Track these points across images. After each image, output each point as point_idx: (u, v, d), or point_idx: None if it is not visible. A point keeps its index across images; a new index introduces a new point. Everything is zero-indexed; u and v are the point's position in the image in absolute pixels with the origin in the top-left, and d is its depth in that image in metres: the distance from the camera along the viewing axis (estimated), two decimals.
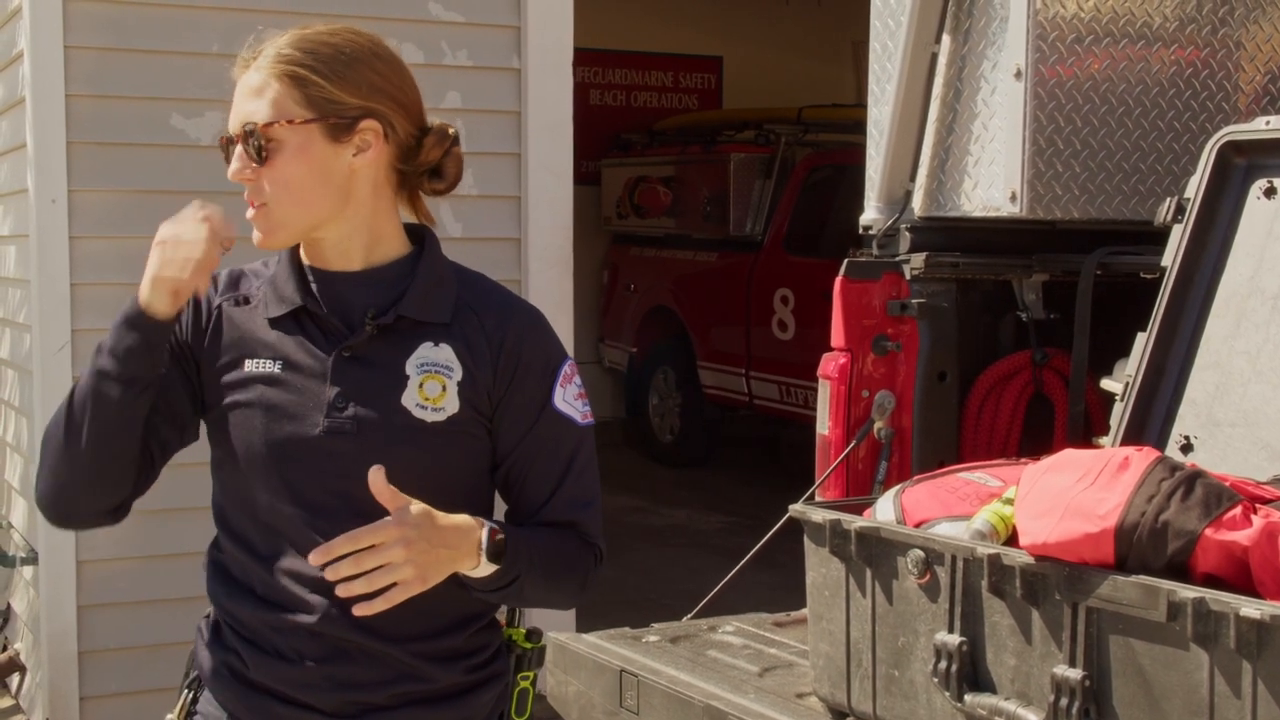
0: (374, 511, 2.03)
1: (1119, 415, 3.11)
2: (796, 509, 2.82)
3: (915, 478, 2.96)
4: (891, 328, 3.76)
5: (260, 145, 2.08)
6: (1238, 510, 2.28)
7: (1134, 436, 3.09)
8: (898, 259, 3.78)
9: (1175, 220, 3.20)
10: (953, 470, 2.90)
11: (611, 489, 9.64)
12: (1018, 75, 3.61)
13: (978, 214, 3.72)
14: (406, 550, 1.95)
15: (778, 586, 4.73)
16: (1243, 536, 2.24)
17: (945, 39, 3.77)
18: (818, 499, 3.50)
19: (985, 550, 2.46)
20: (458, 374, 2.14)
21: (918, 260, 3.73)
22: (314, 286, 2.15)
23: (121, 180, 5.03)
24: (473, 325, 2.16)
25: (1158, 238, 3.29)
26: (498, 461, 2.19)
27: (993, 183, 3.68)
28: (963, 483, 2.75)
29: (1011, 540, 2.54)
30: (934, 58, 3.77)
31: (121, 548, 4.96)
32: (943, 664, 2.52)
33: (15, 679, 5.59)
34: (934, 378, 3.74)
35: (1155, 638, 2.22)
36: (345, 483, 2.07)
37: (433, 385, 2.13)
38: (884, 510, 2.76)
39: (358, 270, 2.15)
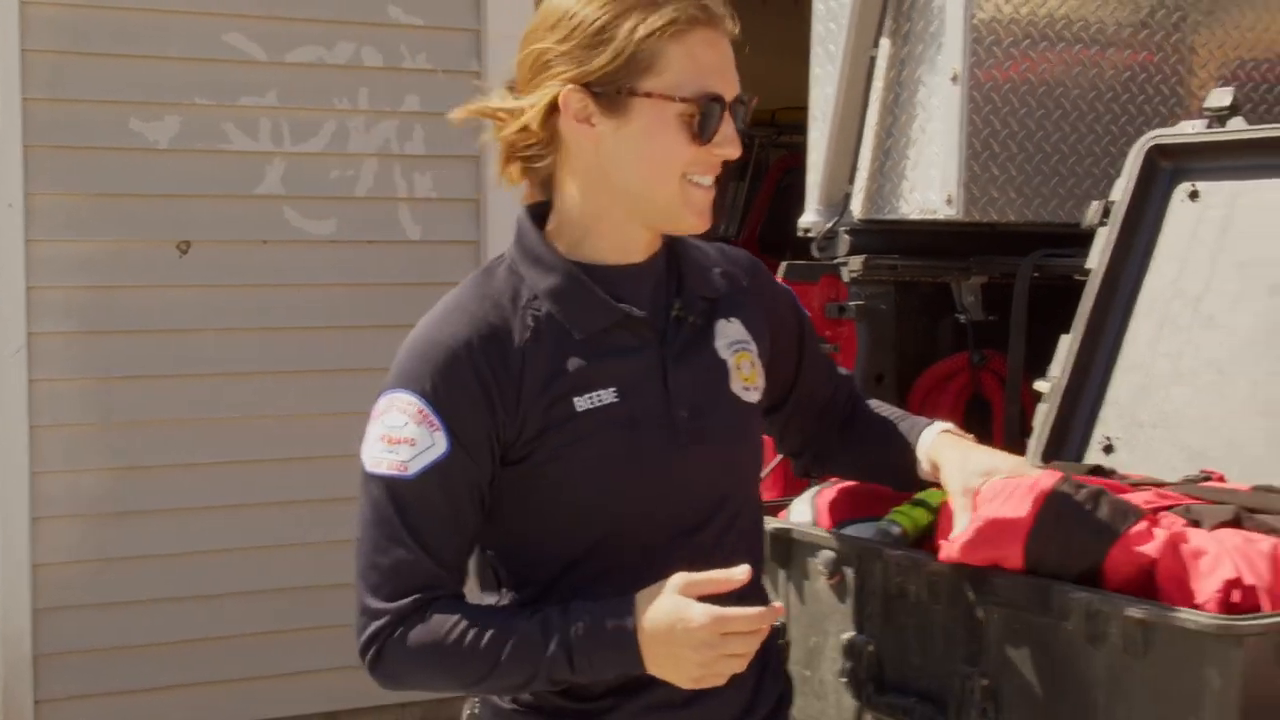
0: (740, 513, 2.06)
1: (1043, 416, 3.13)
2: None
3: (832, 479, 2.97)
4: (830, 330, 3.78)
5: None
6: (1143, 525, 2.29)
7: (1058, 438, 3.12)
8: (836, 261, 3.80)
9: (1102, 223, 3.21)
10: None
11: None
12: (954, 79, 3.63)
13: (915, 216, 3.75)
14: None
15: None
16: (1149, 549, 2.25)
17: (884, 42, 3.80)
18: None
19: (890, 551, 2.48)
20: (754, 345, 2.07)
21: (856, 263, 3.76)
22: (600, 288, 1.94)
23: (79, 184, 5.04)
24: (735, 286, 2.08)
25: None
26: (778, 400, 2.21)
27: (929, 186, 3.70)
28: (878, 484, 2.76)
29: (922, 541, 2.56)
30: (872, 61, 3.79)
31: (79, 551, 4.99)
32: (850, 664, 2.53)
33: None
34: (872, 380, 3.77)
35: (1050, 638, 2.24)
36: (715, 490, 2.00)
37: (745, 363, 2.05)
38: (800, 511, 2.77)
39: (642, 261, 1.99)
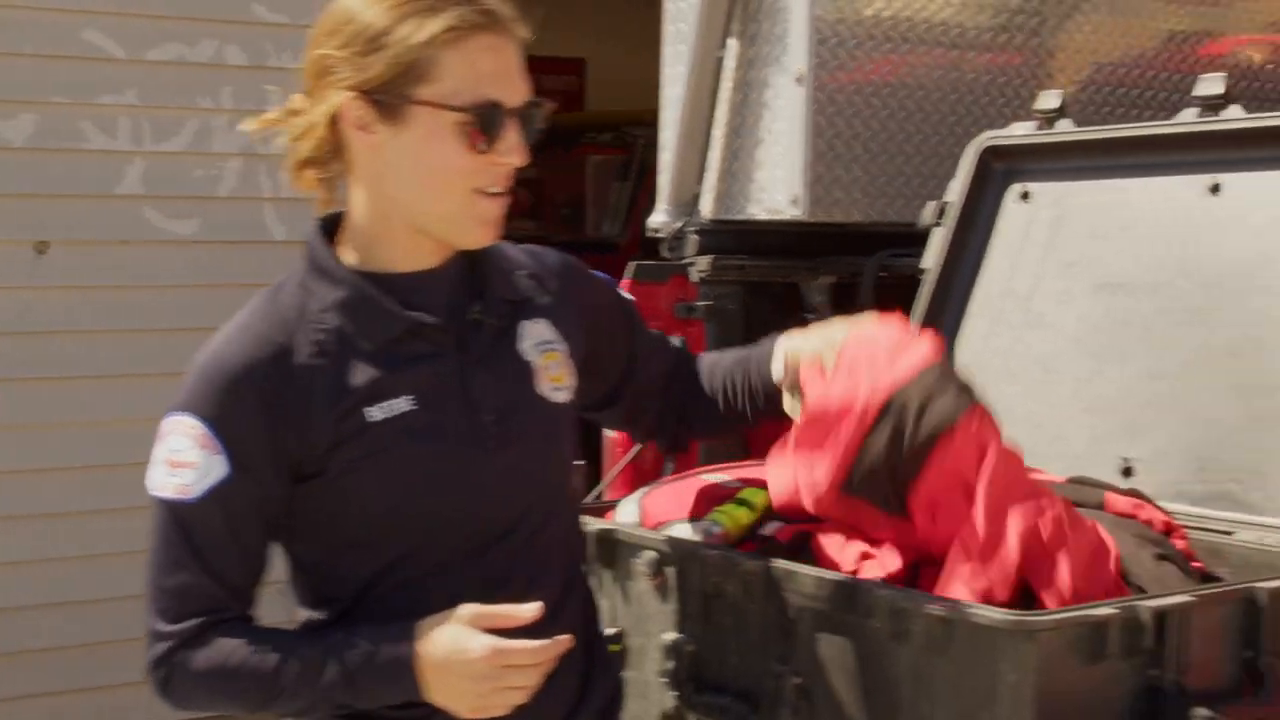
0: (552, 515, 2.01)
1: None
2: None
3: (661, 479, 2.98)
4: (679, 330, 3.78)
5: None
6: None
7: None
8: (684, 262, 3.81)
9: (938, 223, 3.25)
10: (697, 471, 2.92)
11: None
12: (799, 80, 3.66)
13: (762, 217, 3.77)
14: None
15: None
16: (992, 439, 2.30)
17: (732, 43, 3.81)
18: (605, 500, 3.52)
19: (707, 551, 2.49)
20: (562, 345, 2.04)
21: (704, 263, 3.77)
22: (390, 298, 1.91)
23: None
24: (544, 288, 2.05)
25: None
26: (615, 392, 2.21)
27: (775, 186, 3.72)
28: (703, 483, 2.77)
29: (743, 540, 2.57)
30: (720, 61, 3.81)
31: None
32: (671, 664, 2.54)
33: None
34: None
35: (857, 635, 2.25)
36: (524, 494, 1.97)
37: (554, 364, 2.01)
38: (626, 512, 2.77)
39: (436, 266, 1.95)
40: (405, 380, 1.89)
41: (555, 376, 2.02)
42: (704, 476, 2.83)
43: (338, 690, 1.84)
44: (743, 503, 2.61)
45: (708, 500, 2.68)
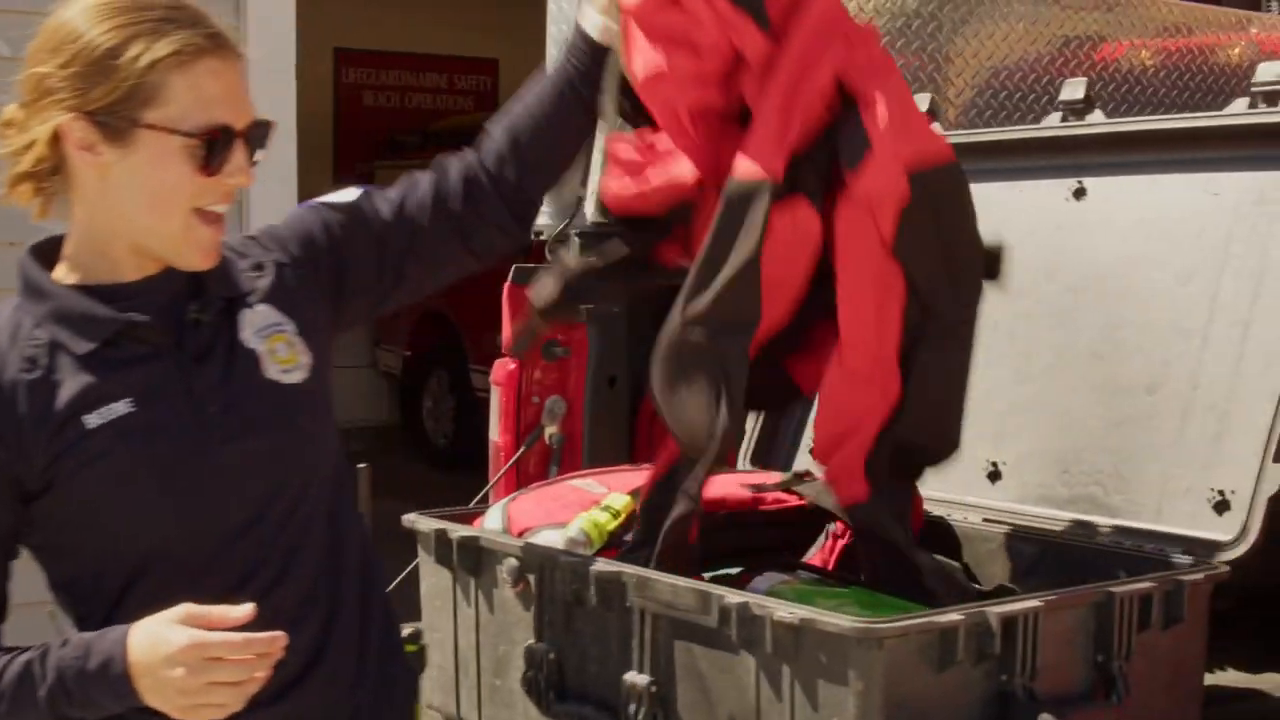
0: (301, 501, 1.98)
1: (752, 422, 3.15)
2: (408, 518, 2.81)
3: (531, 485, 2.97)
4: (562, 333, 3.77)
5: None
6: None
7: (767, 443, 3.15)
8: None
9: None
10: (565, 478, 2.91)
11: (382, 494, 9.47)
12: None
13: None
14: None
15: None
16: None
17: None
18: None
19: (566, 558, 2.47)
20: (289, 325, 2.02)
21: None
22: (105, 306, 1.91)
23: None
24: (258, 275, 2.03)
25: None
26: (397, 268, 2.16)
27: None
28: (569, 490, 2.76)
29: (607, 547, 2.56)
30: None
31: None
32: (532, 672, 2.52)
33: None
34: (604, 382, 3.76)
35: (710, 642, 2.25)
36: (264, 483, 1.95)
37: (281, 346, 2.00)
38: (493, 519, 2.75)
39: (155, 274, 1.94)
40: (122, 383, 1.89)
41: (284, 359, 2.00)
42: (572, 483, 2.83)
43: (58, 701, 1.83)
44: (606, 509, 2.60)
45: (573, 507, 2.67)
